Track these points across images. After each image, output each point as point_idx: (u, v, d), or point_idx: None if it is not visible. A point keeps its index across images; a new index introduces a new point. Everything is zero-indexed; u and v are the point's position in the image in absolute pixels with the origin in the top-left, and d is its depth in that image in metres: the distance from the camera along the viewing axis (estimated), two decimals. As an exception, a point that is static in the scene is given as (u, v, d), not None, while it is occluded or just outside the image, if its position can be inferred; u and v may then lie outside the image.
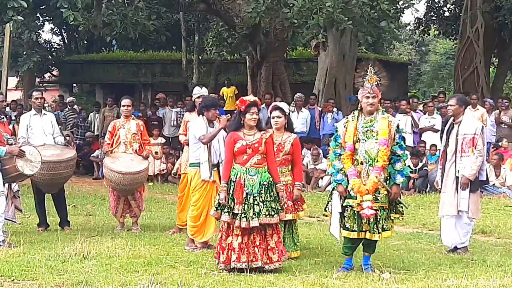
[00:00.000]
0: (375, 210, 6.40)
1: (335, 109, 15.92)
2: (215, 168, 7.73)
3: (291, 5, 13.09)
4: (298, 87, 19.20)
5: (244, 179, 6.61)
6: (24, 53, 23.00)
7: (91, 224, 9.86)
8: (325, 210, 6.83)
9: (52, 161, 8.71)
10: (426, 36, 29.45)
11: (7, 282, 6.15)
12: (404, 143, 6.71)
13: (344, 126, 6.64)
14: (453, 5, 23.15)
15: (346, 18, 12.77)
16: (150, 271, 6.48)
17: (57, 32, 29.54)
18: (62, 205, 9.51)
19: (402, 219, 6.94)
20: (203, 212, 7.68)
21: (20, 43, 23.02)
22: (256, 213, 6.52)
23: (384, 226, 6.49)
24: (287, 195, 7.00)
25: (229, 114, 8.63)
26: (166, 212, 11.19)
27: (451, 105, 7.91)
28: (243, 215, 6.52)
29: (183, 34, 21.61)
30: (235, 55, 20.59)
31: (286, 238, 7.29)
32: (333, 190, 6.67)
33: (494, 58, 22.47)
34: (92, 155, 16.13)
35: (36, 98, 9.32)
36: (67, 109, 18.30)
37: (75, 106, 18.97)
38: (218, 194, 6.73)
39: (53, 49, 28.21)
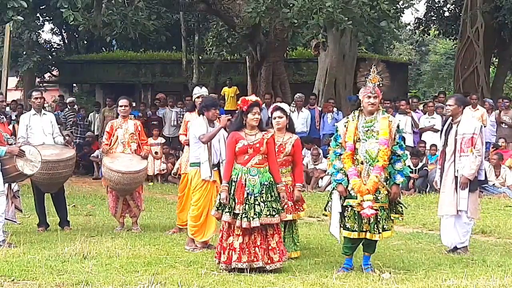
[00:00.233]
0: (376, 210, 6.41)
1: (335, 109, 15.92)
2: (216, 168, 7.73)
3: (291, 5, 13.09)
4: (298, 87, 19.20)
5: (245, 179, 6.61)
6: (24, 53, 23.00)
7: (91, 224, 9.86)
8: (325, 210, 6.83)
9: (51, 161, 8.71)
10: (426, 36, 29.45)
11: (7, 282, 6.15)
12: (404, 143, 6.71)
13: (345, 126, 6.64)
14: (453, 5, 23.15)
15: (346, 18, 12.77)
16: (150, 271, 6.48)
17: (57, 32, 29.54)
18: (61, 205, 9.51)
19: (402, 219, 6.95)
20: (204, 212, 7.68)
21: (20, 43, 23.02)
22: (257, 213, 6.52)
23: (384, 226, 6.49)
24: (287, 196, 6.99)
25: (229, 114, 8.64)
26: (166, 212, 11.19)
27: (449, 105, 7.91)
28: (244, 215, 6.52)
29: (183, 34, 21.61)
30: (235, 55, 20.59)
31: (286, 238, 7.29)
32: (333, 189, 6.68)
33: (494, 58, 22.48)
34: (92, 155, 16.13)
35: (36, 98, 9.32)
36: (67, 109, 18.30)
37: (75, 106, 18.97)
38: (219, 194, 6.73)
39: (53, 49, 28.22)
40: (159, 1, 17.42)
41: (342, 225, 6.57)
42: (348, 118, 6.72)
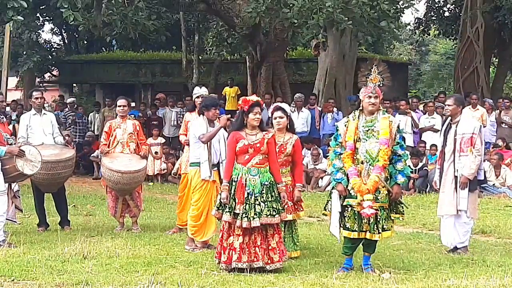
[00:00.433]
0: (375, 209, 6.41)
1: (335, 109, 15.92)
2: (215, 168, 7.73)
3: (291, 5, 13.09)
4: (298, 87, 19.21)
5: (246, 179, 6.62)
6: (24, 53, 23.01)
7: (91, 224, 9.86)
8: (325, 209, 6.83)
9: (51, 161, 8.71)
10: (426, 36, 29.45)
11: (7, 282, 6.16)
12: (404, 143, 6.71)
13: (345, 125, 6.64)
14: (453, 5, 23.14)
15: (346, 18, 12.77)
16: (150, 271, 6.48)
17: (57, 32, 29.54)
18: (62, 204, 9.51)
19: (403, 219, 6.96)
20: (204, 212, 7.68)
21: (20, 43, 23.03)
22: (257, 213, 6.52)
23: (384, 226, 6.50)
24: (287, 195, 6.99)
25: (229, 114, 8.64)
26: (166, 212, 11.19)
27: (448, 105, 7.91)
28: (244, 215, 6.52)
29: (183, 34, 21.61)
30: (235, 55, 20.61)
31: (286, 238, 7.29)
32: (332, 189, 6.68)
33: (494, 58, 22.47)
34: (92, 155, 16.13)
35: (36, 98, 9.32)
36: (67, 109, 18.29)
37: (75, 107, 18.96)
38: (220, 194, 6.73)
39: (53, 49, 28.20)
40: (159, 1, 17.41)
41: (342, 225, 6.57)
42: (348, 117, 6.72)
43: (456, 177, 7.73)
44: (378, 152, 6.45)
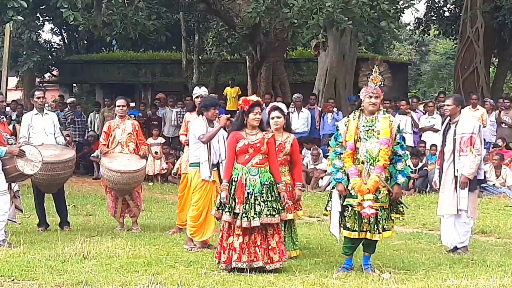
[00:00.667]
0: (376, 209, 6.41)
1: (335, 109, 15.92)
2: (215, 168, 7.73)
3: (291, 5, 13.09)
4: (298, 87, 19.21)
5: (246, 178, 6.62)
6: (24, 53, 23.00)
7: (91, 224, 9.86)
8: (325, 210, 6.84)
9: (50, 162, 8.70)
10: (426, 36, 29.45)
11: (7, 282, 6.16)
12: (404, 143, 6.71)
13: (345, 125, 6.65)
14: (453, 5, 23.14)
15: (346, 18, 12.77)
16: (150, 271, 6.48)
17: (57, 32, 29.54)
18: (61, 205, 9.50)
19: (403, 219, 6.96)
20: (203, 212, 7.68)
21: (20, 43, 23.02)
22: (257, 212, 6.52)
23: (384, 226, 6.50)
24: (287, 195, 6.99)
25: (229, 114, 8.64)
26: (166, 212, 11.19)
27: (448, 105, 7.92)
28: (244, 215, 6.52)
29: (183, 34, 21.61)
30: (235, 55, 20.61)
31: (285, 238, 7.29)
32: (333, 189, 6.68)
33: (494, 58, 22.47)
34: (92, 155, 16.12)
35: (38, 98, 9.32)
36: (67, 109, 18.29)
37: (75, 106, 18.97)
38: (220, 194, 6.73)
39: (53, 49, 28.20)
40: (159, 1, 17.41)
41: (342, 225, 6.57)
42: (349, 117, 6.73)
43: (456, 177, 7.73)
44: (379, 152, 6.45)
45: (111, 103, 16.76)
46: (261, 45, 18.40)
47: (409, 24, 29.99)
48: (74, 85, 28.38)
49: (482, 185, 10.66)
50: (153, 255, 7.32)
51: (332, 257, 7.33)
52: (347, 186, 6.52)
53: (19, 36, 22.51)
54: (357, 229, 6.50)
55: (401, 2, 15.40)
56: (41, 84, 26.81)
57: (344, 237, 6.64)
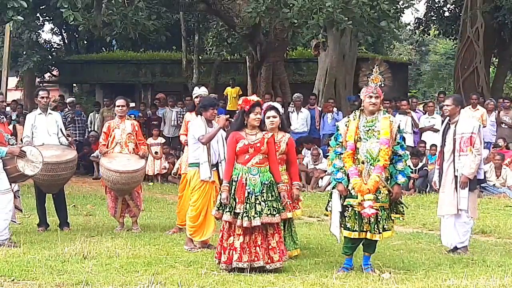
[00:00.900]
0: (376, 209, 6.41)
1: (335, 109, 15.93)
2: (214, 168, 7.73)
3: (291, 5, 13.09)
4: (298, 87, 19.21)
5: (246, 178, 6.62)
6: (24, 53, 23.00)
7: (91, 224, 9.86)
8: (326, 210, 6.84)
9: (51, 162, 8.69)
10: (426, 36, 29.44)
11: (7, 282, 6.16)
12: (405, 143, 6.71)
13: (346, 125, 6.65)
14: (453, 5, 23.13)
15: (346, 18, 12.77)
16: (150, 271, 6.48)
17: (57, 32, 29.53)
18: (61, 206, 9.48)
19: (403, 219, 6.96)
20: (202, 212, 7.68)
21: (20, 43, 23.02)
22: (258, 212, 6.53)
23: (384, 226, 6.50)
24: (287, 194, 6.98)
25: (228, 114, 8.64)
26: (166, 212, 11.19)
27: (447, 105, 7.93)
28: (245, 215, 6.53)
29: (183, 34, 21.61)
30: (235, 55, 20.61)
31: (285, 237, 7.29)
32: (333, 189, 6.68)
33: (494, 58, 22.46)
34: (92, 155, 16.12)
35: (42, 97, 9.31)
36: (67, 109, 18.29)
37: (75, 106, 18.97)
38: (220, 194, 6.73)
39: (53, 49, 28.19)
40: (159, 1, 17.41)
41: (342, 225, 6.57)
42: (349, 117, 6.73)
43: (456, 176, 7.73)
44: (379, 152, 6.45)
45: (110, 103, 16.76)
46: (261, 45, 18.39)
47: (409, 24, 30.00)
48: (74, 85, 28.38)
49: (482, 185, 10.65)
50: (153, 255, 7.32)
51: (332, 257, 7.34)
52: (347, 186, 6.52)
53: (19, 36, 22.51)
54: (357, 229, 6.50)
55: (401, 2, 15.40)
56: (41, 84, 26.82)
57: (344, 237, 6.64)
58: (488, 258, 7.37)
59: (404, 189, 12.23)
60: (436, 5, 23.56)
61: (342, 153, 6.60)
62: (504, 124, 14.72)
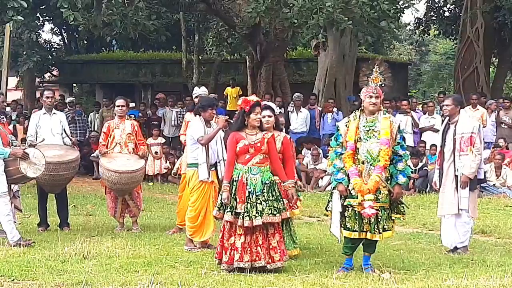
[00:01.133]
0: (376, 209, 6.41)
1: (335, 109, 15.93)
2: (213, 168, 7.73)
3: (291, 5, 13.10)
4: (298, 87, 19.20)
5: (247, 178, 6.62)
6: (24, 53, 22.99)
7: (91, 224, 9.86)
8: (326, 210, 6.84)
9: (53, 162, 8.69)
10: (426, 36, 29.44)
11: (7, 282, 6.16)
12: (405, 143, 6.71)
13: (346, 125, 6.64)
14: (453, 5, 23.13)
15: (346, 18, 12.77)
16: (150, 271, 6.48)
17: (57, 32, 29.53)
18: (63, 206, 9.48)
19: (403, 219, 6.95)
20: (201, 213, 7.68)
21: (20, 43, 23.02)
22: (259, 211, 6.53)
23: (385, 226, 6.50)
24: (283, 193, 6.96)
25: (228, 115, 8.64)
26: (166, 212, 11.19)
27: (447, 105, 7.93)
28: (246, 214, 6.53)
29: (183, 34, 21.61)
30: (235, 55, 20.60)
31: (285, 236, 7.28)
32: (333, 189, 6.68)
33: (494, 58, 22.46)
34: (92, 155, 16.11)
35: (47, 97, 9.31)
36: (67, 109, 18.28)
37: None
38: (221, 194, 6.73)
39: (53, 49, 28.18)
40: (159, 1, 17.40)
41: (342, 225, 6.57)
42: (349, 117, 6.72)
43: (456, 176, 7.74)
44: (379, 152, 6.45)
45: (110, 103, 16.77)
46: (261, 45, 18.39)
47: (409, 24, 30.00)
48: (74, 85, 28.39)
49: (482, 185, 10.66)
50: (153, 255, 7.32)
51: (332, 257, 7.34)
52: (347, 186, 6.52)
53: (19, 36, 22.51)
54: (357, 229, 6.50)
55: (401, 2, 15.40)
56: (41, 84, 26.83)
57: (345, 237, 6.64)
58: (488, 258, 7.37)
59: (404, 189, 12.23)
60: (436, 5, 23.57)
61: (342, 153, 6.60)
62: (503, 124, 14.72)
